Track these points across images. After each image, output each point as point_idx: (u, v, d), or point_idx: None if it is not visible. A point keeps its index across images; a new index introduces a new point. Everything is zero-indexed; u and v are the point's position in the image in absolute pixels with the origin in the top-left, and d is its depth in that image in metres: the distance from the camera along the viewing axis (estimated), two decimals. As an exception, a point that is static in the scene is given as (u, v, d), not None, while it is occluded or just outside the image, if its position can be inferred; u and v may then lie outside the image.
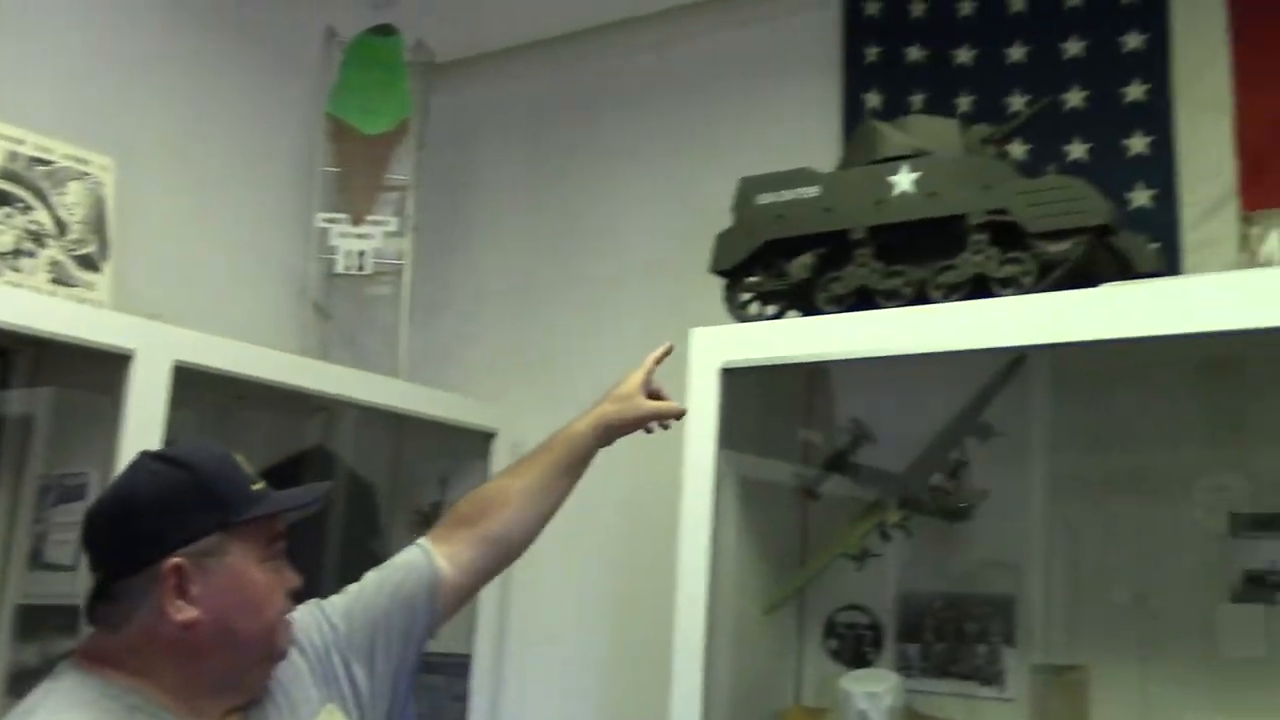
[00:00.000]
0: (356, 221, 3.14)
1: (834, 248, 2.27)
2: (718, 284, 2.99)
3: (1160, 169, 2.59)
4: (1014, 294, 2.08)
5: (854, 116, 2.97)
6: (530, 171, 3.48)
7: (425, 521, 3.34)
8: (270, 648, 1.52)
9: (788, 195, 2.32)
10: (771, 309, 2.36)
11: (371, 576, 1.77)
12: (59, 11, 2.83)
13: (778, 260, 2.33)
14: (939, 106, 2.86)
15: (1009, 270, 2.09)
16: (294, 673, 1.62)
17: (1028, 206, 2.08)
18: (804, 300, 2.32)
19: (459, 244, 3.51)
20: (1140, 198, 2.59)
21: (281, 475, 3.06)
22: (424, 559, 1.78)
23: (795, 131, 3.07)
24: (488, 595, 3.17)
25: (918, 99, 2.91)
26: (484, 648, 3.15)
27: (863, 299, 2.24)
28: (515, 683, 3.22)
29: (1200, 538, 2.17)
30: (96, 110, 2.84)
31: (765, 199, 2.35)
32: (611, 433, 1.94)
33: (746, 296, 2.39)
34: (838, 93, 3.03)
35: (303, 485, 1.65)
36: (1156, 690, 2.17)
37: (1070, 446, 2.33)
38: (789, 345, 2.26)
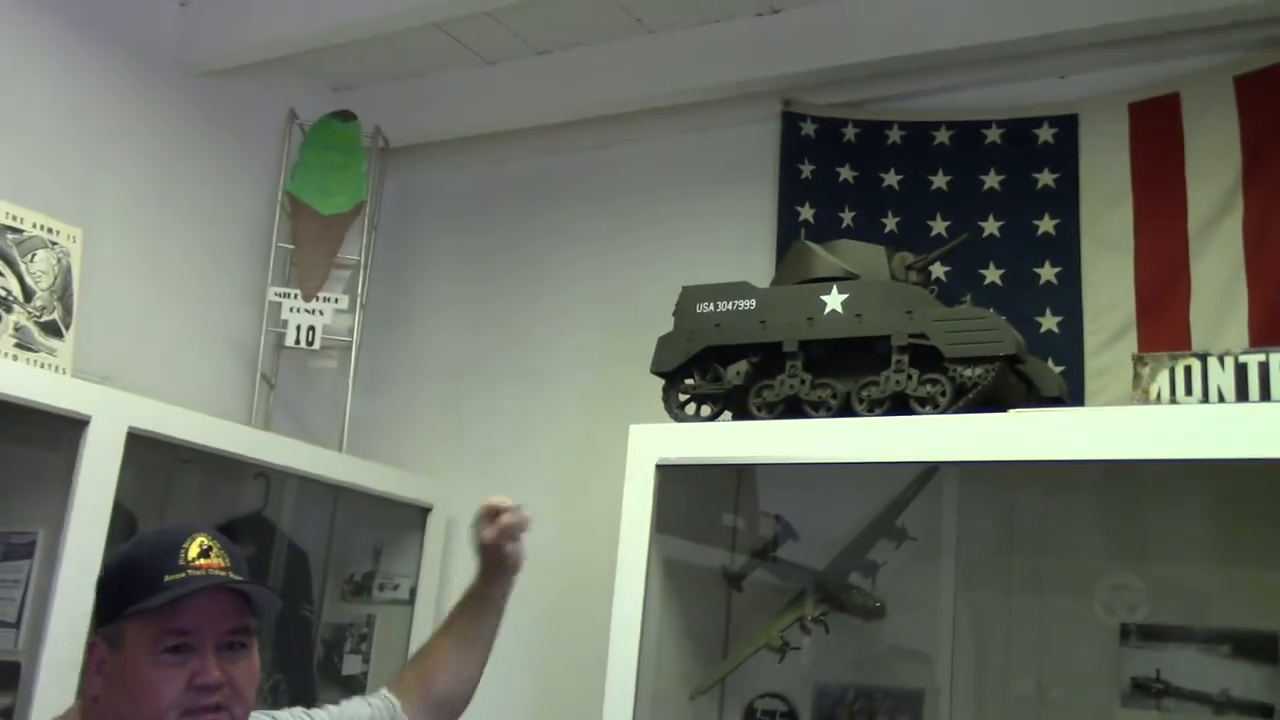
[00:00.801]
0: (308, 297, 3.26)
1: (767, 357, 2.44)
2: (651, 379, 3.17)
3: (1067, 298, 2.82)
4: (930, 412, 2.25)
5: (787, 226, 3.17)
6: (473, 256, 3.63)
7: (357, 590, 3.44)
8: None
9: (726, 306, 2.49)
10: (707, 410, 2.52)
11: (350, 706, 1.89)
12: (29, 85, 2.93)
13: (714, 365, 2.49)
14: (867, 224, 3.08)
15: (926, 390, 2.28)
16: None
17: (945, 333, 2.27)
18: (737, 404, 2.48)
19: (401, 321, 3.64)
20: (1048, 323, 2.81)
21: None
22: (392, 711, 1.90)
23: (730, 236, 3.27)
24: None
25: (848, 215, 3.12)
26: (407, 718, 3.23)
27: (791, 407, 2.40)
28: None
29: (1097, 639, 2.35)
30: (63, 181, 2.94)
31: (705, 308, 2.51)
32: (489, 569, 2.04)
33: (684, 398, 2.54)
34: (772, 203, 3.23)
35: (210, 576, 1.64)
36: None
37: (977, 551, 2.51)
38: (722, 446, 2.42)
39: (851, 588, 2.48)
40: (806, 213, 3.17)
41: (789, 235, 3.17)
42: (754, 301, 2.47)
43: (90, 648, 1.58)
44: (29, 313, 2.53)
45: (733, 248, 3.24)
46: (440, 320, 3.61)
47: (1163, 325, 2.70)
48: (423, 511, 3.35)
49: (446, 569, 3.38)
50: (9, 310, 2.49)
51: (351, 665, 3.39)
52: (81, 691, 1.65)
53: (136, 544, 1.63)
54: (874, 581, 2.48)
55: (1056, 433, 2.09)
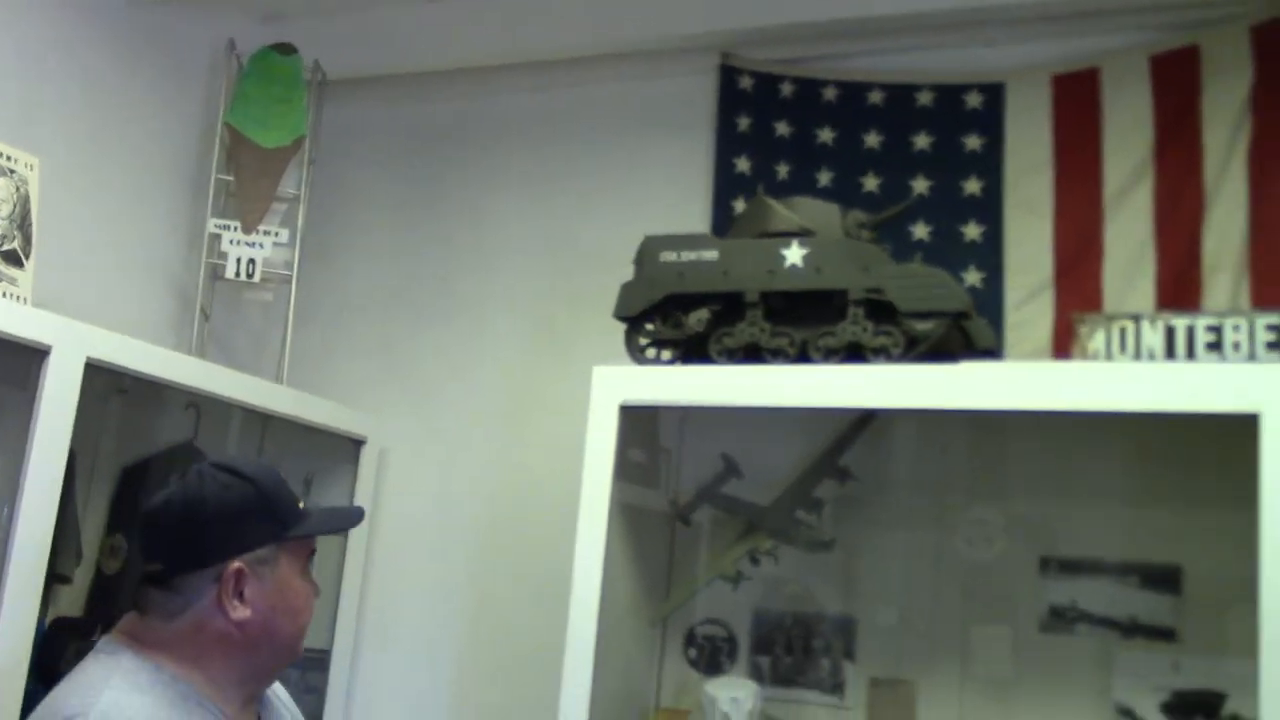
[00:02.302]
0: (248, 230, 3.25)
1: (727, 306, 2.57)
2: (589, 322, 3.28)
3: (990, 256, 3.03)
4: (883, 361, 2.43)
5: (724, 177, 3.30)
6: (411, 194, 3.66)
7: (286, 521, 3.48)
8: (297, 648, 1.73)
9: (690, 256, 2.61)
10: (667, 354, 2.64)
11: None
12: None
13: (676, 312, 2.62)
14: (802, 178, 3.23)
15: (880, 341, 2.45)
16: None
17: (900, 289, 2.43)
18: (697, 350, 2.61)
19: (337, 256, 3.66)
20: (972, 278, 3.01)
21: (151, 469, 3.17)
22: None
23: (667, 185, 3.38)
24: (348, 591, 3.35)
25: (783, 169, 3.26)
26: (343, 643, 3.32)
27: (751, 353, 2.55)
28: (369, 679, 3.39)
29: (1019, 573, 2.59)
30: (17, 108, 2.88)
31: (668, 257, 2.62)
32: None
33: (645, 342, 2.66)
34: (708, 154, 3.35)
35: (330, 507, 1.87)
36: (971, 701, 2.57)
37: (913, 491, 2.72)
38: (684, 389, 2.54)
39: (799, 523, 2.65)
40: (743, 165, 3.30)
41: (725, 186, 3.30)
42: (717, 253, 2.59)
43: (237, 574, 1.68)
44: (-11, 241, 2.50)
45: (669, 196, 3.35)
46: (377, 257, 3.65)
47: (1078, 285, 2.92)
48: (356, 444, 3.41)
49: (379, 499, 3.46)
50: (-30, 238, 2.46)
51: (283, 593, 3.44)
52: (194, 617, 1.68)
53: (258, 476, 1.73)
54: (819, 517, 2.66)
55: (1003, 384, 2.28)
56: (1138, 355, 2.28)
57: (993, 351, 2.64)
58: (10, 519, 2.44)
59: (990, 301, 2.98)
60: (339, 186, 3.66)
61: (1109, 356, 2.30)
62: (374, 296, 3.62)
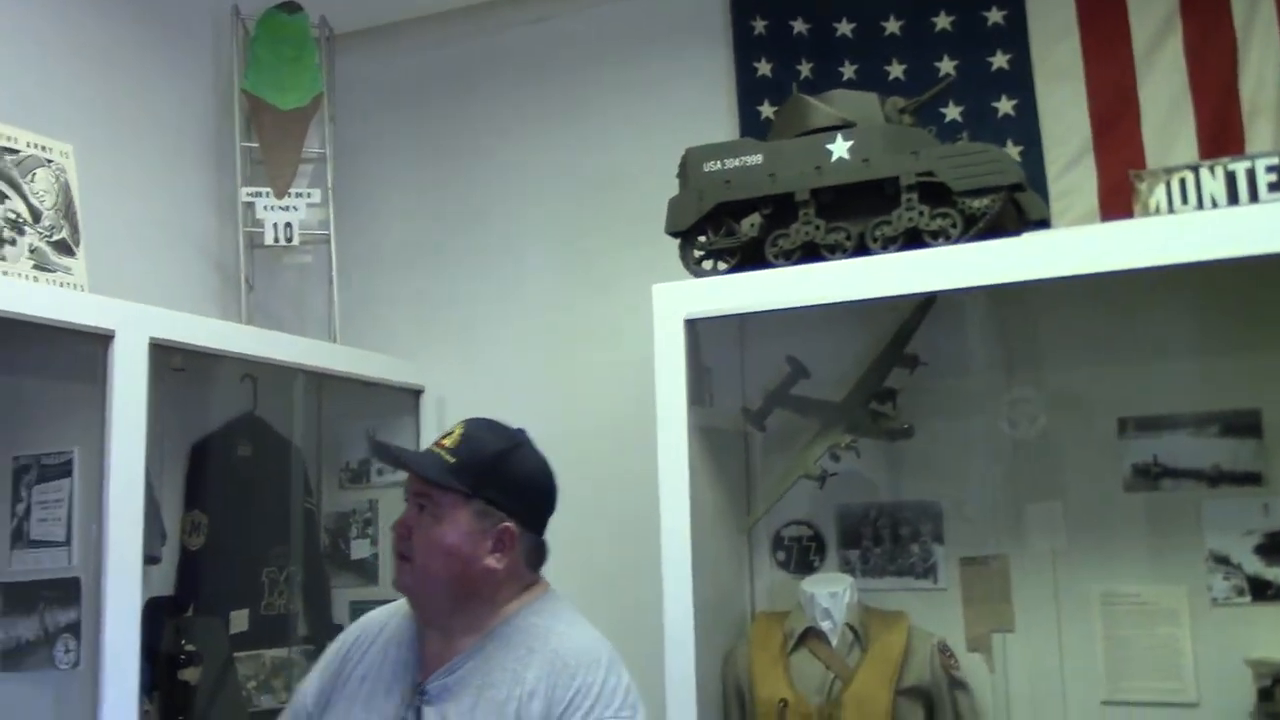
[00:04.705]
0: (280, 194, 3.24)
1: (778, 208, 2.57)
2: (626, 242, 3.28)
3: (1026, 128, 3.02)
4: (943, 244, 2.43)
5: (745, 83, 3.28)
6: (430, 139, 3.64)
7: (355, 478, 3.52)
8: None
9: (733, 163, 2.60)
10: (723, 265, 2.64)
11: None
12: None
13: (727, 221, 2.62)
14: (825, 74, 3.21)
15: (938, 223, 2.45)
16: None
17: (952, 169, 2.43)
18: (753, 256, 2.61)
19: (366, 210, 3.65)
20: (1010, 153, 2.99)
21: (218, 444, 3.20)
22: None
23: (687, 97, 3.36)
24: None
25: (805, 67, 3.24)
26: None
27: (808, 252, 2.55)
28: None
29: (1096, 437, 2.61)
30: (16, 97, 2.85)
31: (712, 167, 2.61)
32: None
33: (699, 254, 2.66)
34: (726, 61, 3.32)
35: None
36: (1066, 568, 2.60)
37: (983, 369, 2.73)
38: (746, 296, 2.55)
39: (876, 414, 2.67)
40: (764, 68, 3.28)
41: (749, 91, 3.28)
42: (761, 156, 2.59)
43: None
44: (40, 233, 2.49)
45: (691, 108, 3.33)
46: (408, 205, 3.63)
47: (1118, 146, 2.91)
48: (414, 394, 3.43)
49: (443, 448, 3.47)
50: (22, 233, 2.45)
51: (360, 549, 3.49)
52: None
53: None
54: (894, 406, 2.67)
55: (1068, 250, 2.28)
56: (1200, 205, 2.27)
57: (1046, 222, 2.64)
58: (100, 510, 2.47)
59: (1031, 173, 2.96)
60: (362, 140, 3.64)
61: (1171, 210, 2.30)
62: (410, 245, 3.61)
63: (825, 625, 2.57)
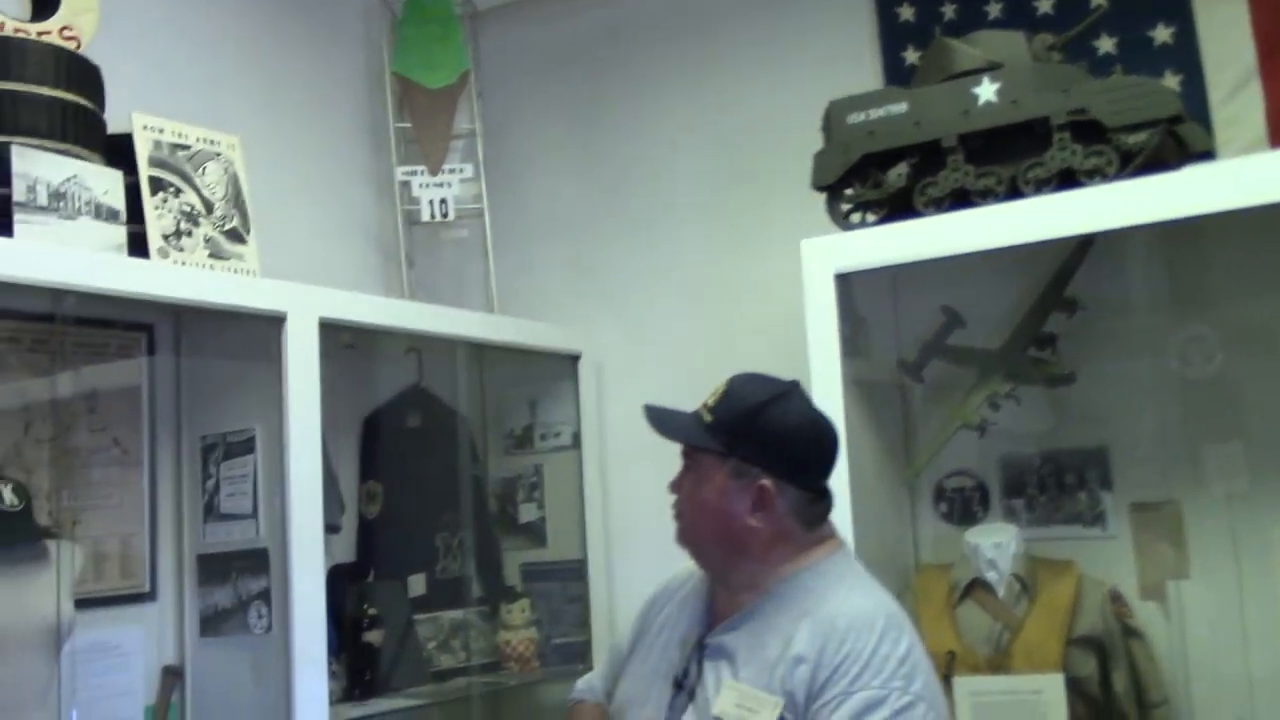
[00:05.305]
0: (434, 171, 3.34)
1: (925, 156, 2.54)
2: (775, 197, 3.27)
3: (1185, 56, 2.88)
4: (1100, 183, 2.36)
5: (887, 28, 3.22)
6: (574, 108, 3.69)
7: (519, 444, 3.61)
8: None
9: (878, 113, 2.57)
10: (871, 217, 2.62)
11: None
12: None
13: (874, 172, 2.59)
14: (970, 13, 3.11)
15: (1093, 162, 2.38)
16: None
17: (1107, 104, 2.36)
18: (901, 206, 2.58)
19: (516, 179, 3.72)
20: (1169, 83, 2.87)
21: (389, 415, 3.31)
22: None
23: (827, 46, 3.30)
24: (591, 504, 3.45)
25: (949, 8, 3.15)
26: (596, 554, 3.44)
27: (958, 199, 2.51)
28: (624, 587, 3.49)
29: (1272, 382, 2.50)
30: (182, 92, 2.99)
31: (855, 118, 2.59)
32: None
33: (847, 207, 2.64)
34: (868, 8, 3.27)
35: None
36: (1243, 514, 2.51)
37: (1146, 310, 2.65)
38: (896, 248, 2.52)
39: (1036, 360, 2.62)
40: (906, 12, 3.21)
41: (891, 37, 3.22)
42: (906, 104, 2.55)
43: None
44: (213, 223, 2.62)
45: (833, 57, 3.28)
46: (557, 175, 3.69)
47: (1288, 67, 2.77)
48: (572, 360, 3.49)
49: (603, 413, 3.54)
50: (196, 224, 2.58)
51: (528, 513, 3.58)
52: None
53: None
54: (1054, 351, 2.62)
55: (1234, 183, 2.19)
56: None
57: (1209, 154, 2.54)
58: (283, 483, 2.60)
59: (1192, 104, 2.84)
60: (509, 113, 3.71)
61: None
62: (561, 213, 3.67)
63: (991, 576, 2.54)
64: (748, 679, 1.77)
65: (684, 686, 1.85)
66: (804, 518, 1.86)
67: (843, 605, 1.78)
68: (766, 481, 1.83)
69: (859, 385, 2.66)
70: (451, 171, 3.35)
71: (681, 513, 1.93)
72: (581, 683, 2.22)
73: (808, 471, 1.87)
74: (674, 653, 1.92)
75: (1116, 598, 2.52)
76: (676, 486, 1.94)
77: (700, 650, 1.87)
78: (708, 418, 1.88)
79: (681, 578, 2.07)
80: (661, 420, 1.94)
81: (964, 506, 2.83)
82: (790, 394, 1.89)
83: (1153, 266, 2.61)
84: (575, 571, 3.44)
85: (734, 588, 1.88)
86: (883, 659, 1.70)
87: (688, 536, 1.92)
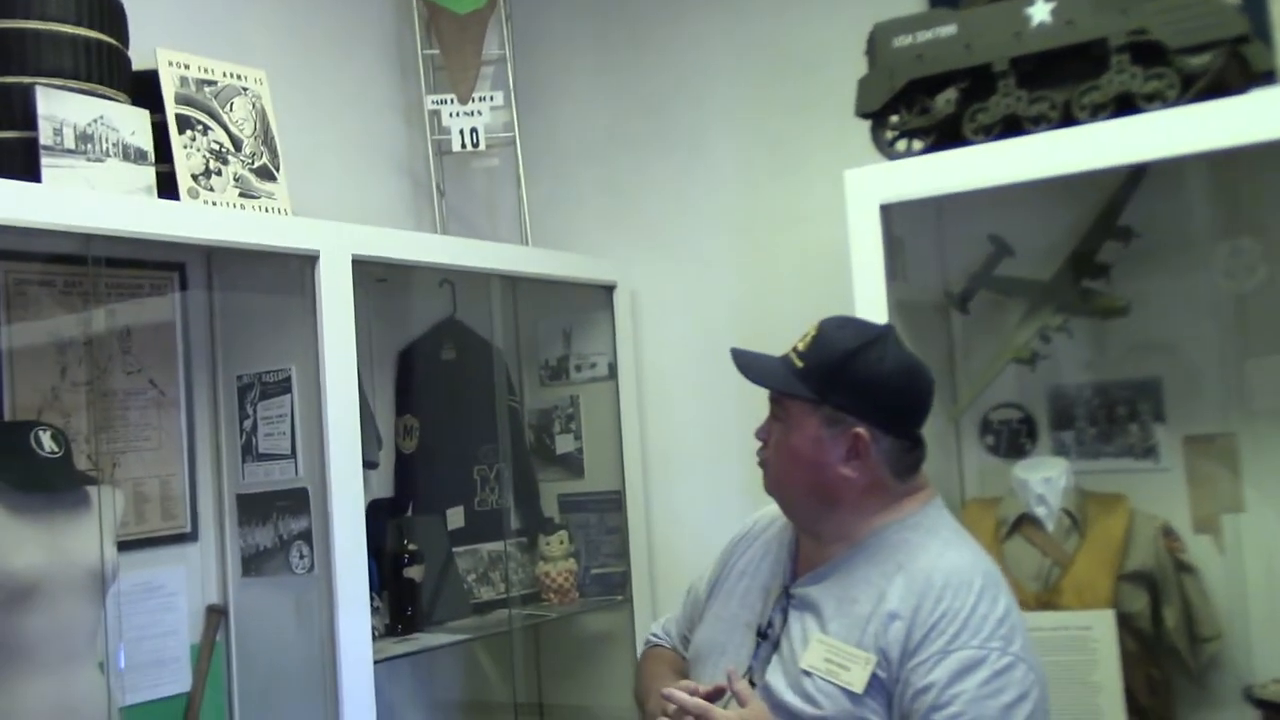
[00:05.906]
0: (463, 100, 3.26)
1: (975, 81, 2.44)
2: (813, 125, 3.18)
3: (1246, -31, 2.76)
4: (1160, 108, 2.26)
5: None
6: (605, 28, 3.58)
7: (554, 375, 3.58)
8: None
9: (925, 36, 2.47)
10: (918, 145, 2.54)
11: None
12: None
13: (920, 98, 2.50)
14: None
15: (1153, 85, 2.28)
16: None
17: (1168, 24, 2.25)
18: (949, 134, 2.50)
19: (548, 106, 3.63)
20: (1232, 1, 2.76)
21: (423, 349, 3.28)
22: None
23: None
24: (629, 434, 3.42)
25: (998, -78, 3.03)
26: (634, 484, 3.41)
27: (1010, 126, 2.42)
28: (662, 516, 3.47)
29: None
30: (204, 25, 2.92)
31: (903, 41, 2.49)
32: None
33: (892, 135, 2.56)
34: (914, -74, 3.14)
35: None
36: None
37: (1202, 238, 2.57)
38: (943, 178, 2.44)
39: (1088, 291, 2.54)
40: (953, -73, 3.09)
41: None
42: (955, 26, 2.45)
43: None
44: (242, 161, 2.57)
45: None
46: (590, 100, 3.60)
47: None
48: (607, 290, 3.44)
49: (639, 343, 3.49)
50: (225, 162, 2.53)
51: (564, 444, 3.56)
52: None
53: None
54: (1108, 282, 2.54)
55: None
56: None
57: (1272, 74, 2.43)
58: (320, 422, 2.57)
59: (1256, 21, 2.71)
60: (540, 38, 3.61)
61: None
62: (595, 141, 3.59)
63: (1040, 511, 2.50)
64: (837, 633, 1.73)
65: (768, 637, 1.82)
66: (898, 467, 1.81)
67: (939, 561, 1.73)
68: (861, 429, 1.77)
69: (904, 307, 2.59)
70: (482, 99, 3.27)
71: (769, 461, 1.87)
72: (656, 626, 2.20)
73: (903, 419, 1.82)
74: (756, 601, 1.89)
75: (1169, 532, 2.48)
76: (765, 434, 1.88)
77: (786, 600, 1.84)
78: (798, 363, 1.81)
79: (763, 522, 2.02)
80: (749, 365, 1.88)
81: (1011, 439, 2.77)
82: (885, 338, 1.82)
83: (1211, 194, 2.52)
84: (613, 502, 3.42)
85: (824, 538, 1.83)
86: (981, 618, 1.66)
87: (777, 486, 1.88)
